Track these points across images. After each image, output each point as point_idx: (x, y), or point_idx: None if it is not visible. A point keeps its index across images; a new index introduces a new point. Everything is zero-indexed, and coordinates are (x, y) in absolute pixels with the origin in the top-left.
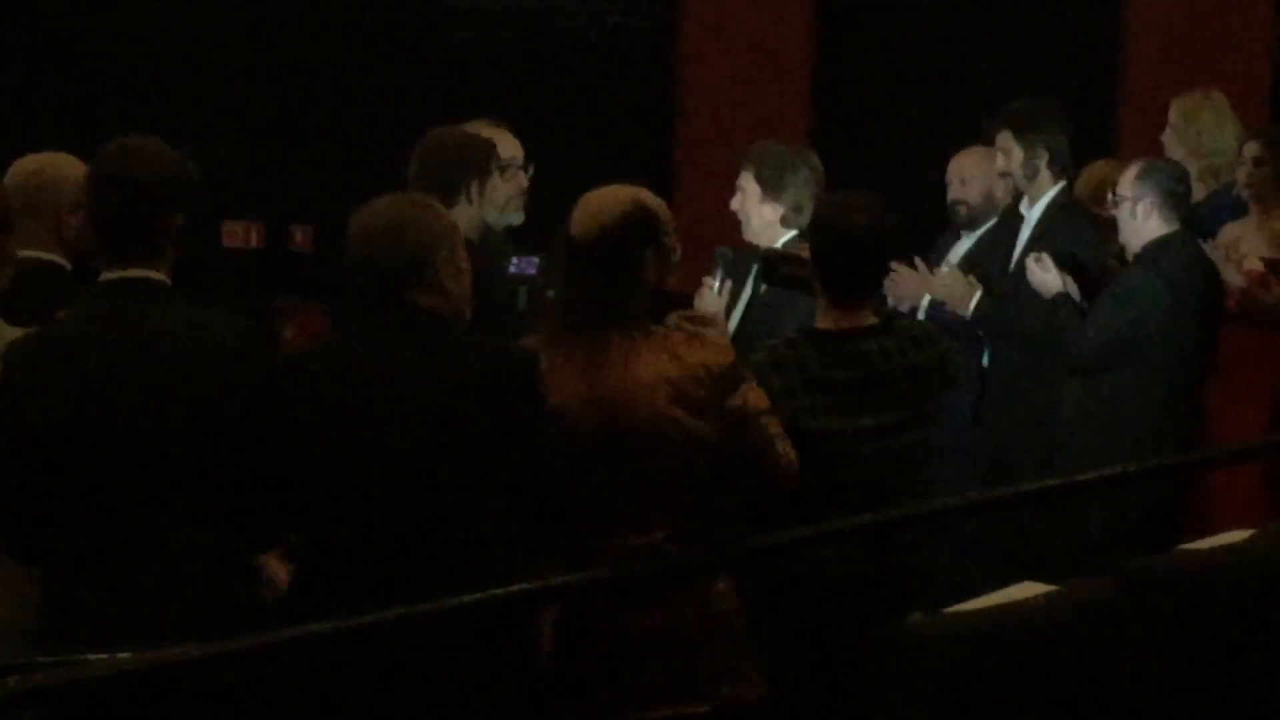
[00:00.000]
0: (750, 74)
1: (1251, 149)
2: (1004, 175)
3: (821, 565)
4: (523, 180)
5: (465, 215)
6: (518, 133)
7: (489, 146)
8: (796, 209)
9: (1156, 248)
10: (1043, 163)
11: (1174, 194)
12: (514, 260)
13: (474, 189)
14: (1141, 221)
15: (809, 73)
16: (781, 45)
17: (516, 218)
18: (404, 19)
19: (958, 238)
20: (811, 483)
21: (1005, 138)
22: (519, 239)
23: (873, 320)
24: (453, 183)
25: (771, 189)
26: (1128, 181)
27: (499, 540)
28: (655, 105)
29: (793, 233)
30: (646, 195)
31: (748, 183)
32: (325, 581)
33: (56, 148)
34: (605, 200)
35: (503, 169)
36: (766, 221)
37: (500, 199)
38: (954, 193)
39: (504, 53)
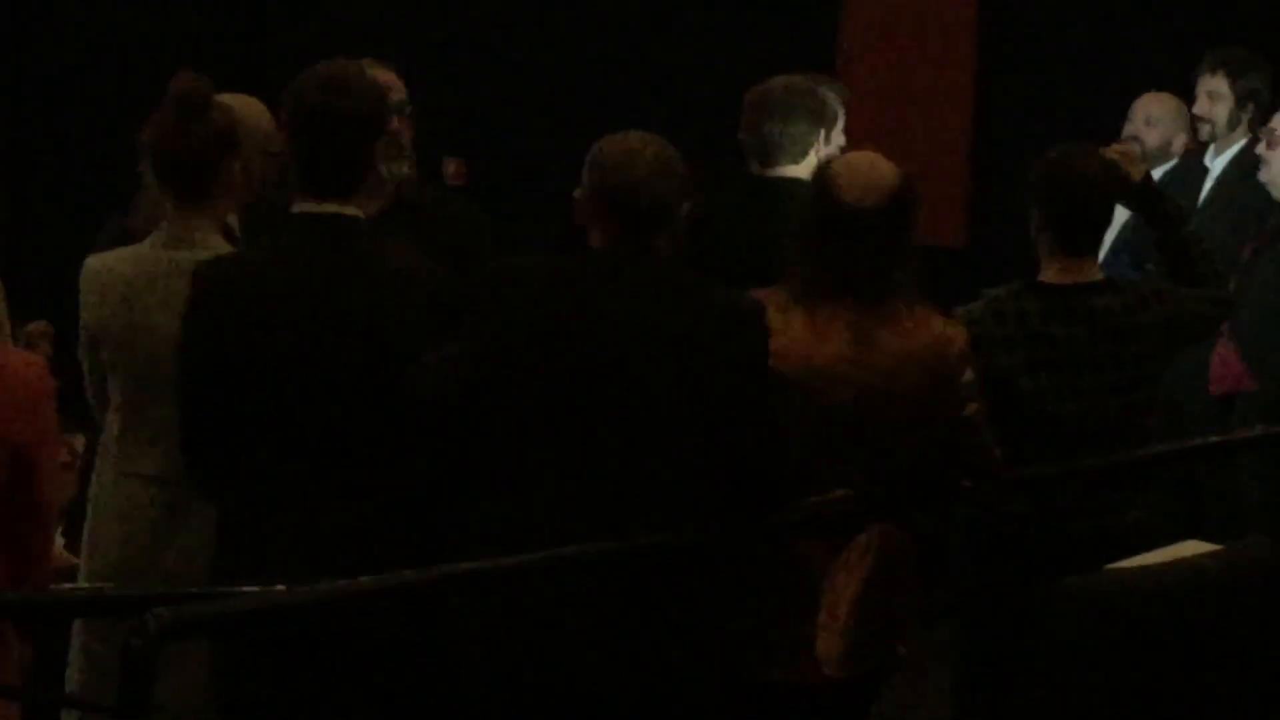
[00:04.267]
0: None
1: None
2: (1201, 120)
3: (1015, 521)
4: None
5: (811, 168)
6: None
7: (820, 94)
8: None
9: None
10: (1247, 114)
11: None
12: None
13: (822, 140)
14: None
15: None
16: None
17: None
18: None
19: None
20: (1025, 441)
21: (1217, 81)
22: None
23: (1099, 276)
24: (804, 138)
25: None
26: None
27: (709, 495)
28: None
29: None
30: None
31: None
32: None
33: (246, 84)
34: (875, 169)
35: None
36: None
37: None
38: (1134, 129)
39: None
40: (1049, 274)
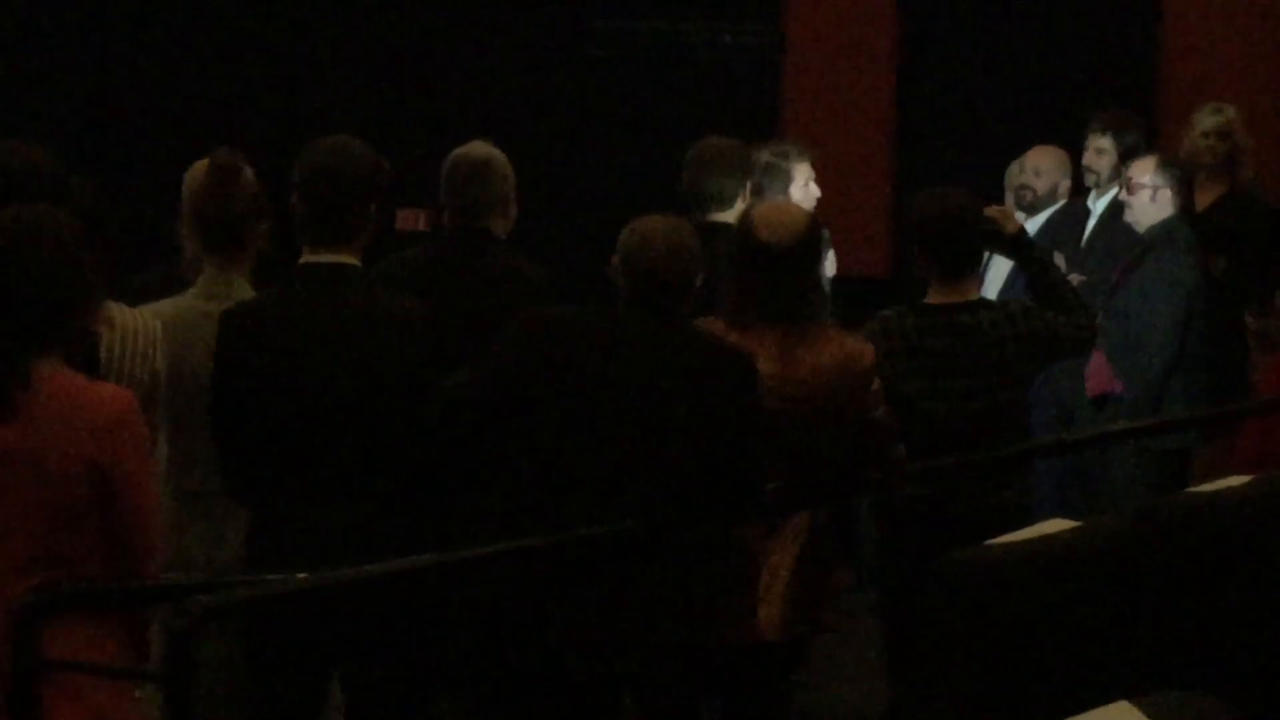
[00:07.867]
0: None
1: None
2: (1089, 170)
3: (910, 504)
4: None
5: (739, 214)
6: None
7: (748, 151)
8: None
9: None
10: (1126, 167)
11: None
12: None
13: (747, 190)
14: (1159, 207)
15: (894, 84)
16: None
17: None
18: (554, 36)
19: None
20: (907, 435)
21: (1105, 139)
22: None
23: (974, 296)
24: (731, 189)
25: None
26: (1149, 171)
27: (691, 498)
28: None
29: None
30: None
31: None
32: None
33: (254, 145)
34: (787, 214)
35: None
36: None
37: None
38: (1025, 179)
39: (643, 72)
40: (931, 296)
